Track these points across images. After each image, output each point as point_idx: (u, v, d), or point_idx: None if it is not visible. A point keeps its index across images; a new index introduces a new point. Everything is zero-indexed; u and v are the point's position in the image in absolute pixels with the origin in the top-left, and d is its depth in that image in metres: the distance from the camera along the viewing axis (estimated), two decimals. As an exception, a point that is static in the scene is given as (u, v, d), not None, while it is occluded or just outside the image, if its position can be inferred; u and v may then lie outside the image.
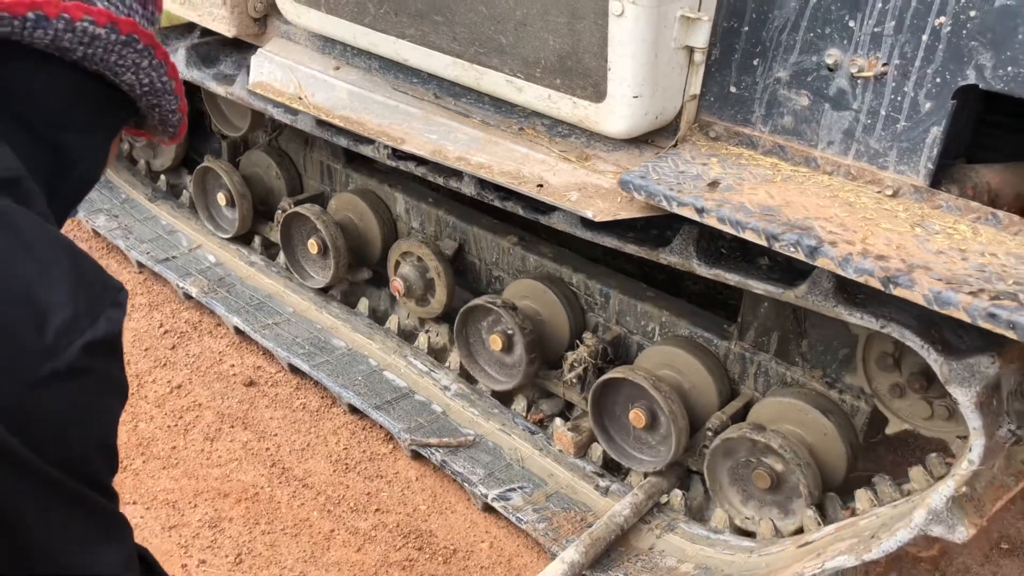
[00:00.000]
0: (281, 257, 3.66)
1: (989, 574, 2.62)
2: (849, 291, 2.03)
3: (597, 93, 2.07)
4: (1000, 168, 2.01)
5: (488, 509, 2.83)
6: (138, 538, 2.42)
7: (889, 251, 1.78)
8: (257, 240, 3.81)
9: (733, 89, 2.12)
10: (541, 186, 2.16)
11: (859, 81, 1.95)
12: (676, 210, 1.97)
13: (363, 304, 3.47)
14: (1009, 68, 1.76)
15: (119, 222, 3.97)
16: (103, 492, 1.04)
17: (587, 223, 2.24)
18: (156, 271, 3.73)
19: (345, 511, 2.82)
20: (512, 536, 2.77)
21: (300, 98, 2.57)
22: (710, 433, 2.66)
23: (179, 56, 3.12)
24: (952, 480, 1.88)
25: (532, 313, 3.03)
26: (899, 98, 1.91)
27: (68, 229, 3.97)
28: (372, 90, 2.55)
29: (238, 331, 3.48)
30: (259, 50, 2.80)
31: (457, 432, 3.00)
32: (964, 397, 1.84)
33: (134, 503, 2.76)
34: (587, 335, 2.96)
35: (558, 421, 2.97)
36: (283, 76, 2.67)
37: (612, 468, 2.90)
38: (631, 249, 2.30)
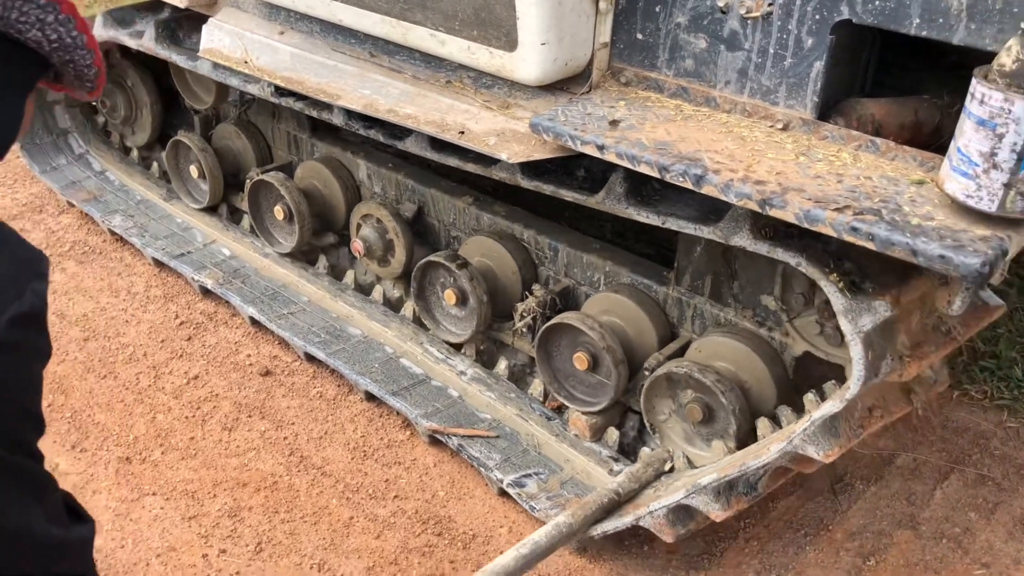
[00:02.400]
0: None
1: (1012, 551, 2.68)
2: (643, 194, 2.27)
3: (510, 42, 2.20)
4: (885, 102, 2.12)
5: (505, 494, 2.83)
6: (158, 529, 2.64)
7: (769, 177, 1.90)
8: (224, 208, 3.95)
9: (639, 36, 2.25)
10: (463, 133, 2.30)
11: (748, 21, 2.07)
12: (579, 148, 2.10)
13: (322, 261, 3.62)
14: (877, 3, 1.88)
15: (135, 221, 3.99)
16: (32, 456, 1.06)
17: (525, 170, 2.37)
18: (172, 266, 3.75)
19: (364, 498, 2.81)
20: (530, 521, 2.75)
21: (246, 62, 2.72)
22: (647, 372, 2.78)
23: (148, 32, 3.28)
24: (828, 404, 2.01)
25: (485, 269, 3.16)
26: (784, 36, 2.03)
27: (82, 229, 4.08)
28: (313, 51, 2.70)
29: (254, 321, 3.50)
30: (210, 19, 2.95)
31: (474, 417, 3.01)
32: (850, 330, 1.96)
33: (153, 494, 2.77)
34: (536, 287, 3.08)
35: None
36: (231, 43, 2.83)
37: (628, 452, 2.92)
38: (552, 191, 2.43)
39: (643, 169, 2.01)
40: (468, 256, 3.20)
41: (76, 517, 1.24)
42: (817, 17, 1.97)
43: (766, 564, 2.63)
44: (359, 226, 3.45)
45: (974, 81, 1.70)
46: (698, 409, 2.65)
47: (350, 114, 2.72)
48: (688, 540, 2.62)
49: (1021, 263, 3.73)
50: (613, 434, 2.88)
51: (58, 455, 2.88)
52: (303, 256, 3.73)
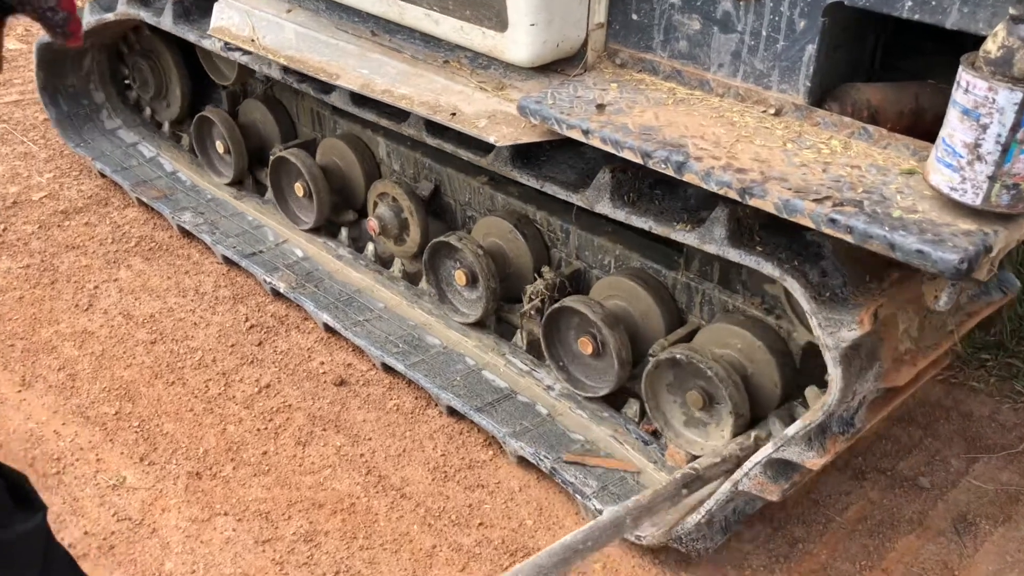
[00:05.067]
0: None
1: None
2: (529, 156, 2.31)
3: (501, 23, 2.17)
4: (883, 87, 2.03)
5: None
6: (230, 553, 2.57)
7: (752, 165, 1.85)
8: (249, 181, 3.96)
9: (635, 16, 2.19)
10: (454, 114, 2.28)
11: (741, 3, 2.00)
12: (565, 132, 2.07)
13: (343, 234, 3.63)
14: (870, -17, 1.80)
15: (205, 218, 3.86)
16: None
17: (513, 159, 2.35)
18: (243, 266, 3.59)
19: (446, 525, 2.62)
20: (628, 555, 2.53)
21: (252, 40, 2.74)
22: (652, 359, 2.74)
23: (167, 11, 3.32)
24: (809, 416, 1.96)
25: (496, 250, 3.15)
26: (776, 18, 1.96)
27: (148, 224, 3.99)
28: (318, 30, 2.70)
29: (327, 327, 3.34)
30: (223, -4, 2.98)
31: (566, 437, 2.77)
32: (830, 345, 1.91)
33: (225, 514, 2.60)
34: (545, 269, 3.06)
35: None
36: (240, 20, 2.84)
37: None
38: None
39: (626, 155, 1.97)
40: (481, 236, 3.19)
41: (25, 505, 1.19)
42: (809, -1, 1.90)
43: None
44: (375, 204, 3.46)
45: (960, 69, 1.62)
46: (699, 396, 2.61)
47: (354, 96, 2.72)
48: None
49: None
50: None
51: (126, 467, 2.74)
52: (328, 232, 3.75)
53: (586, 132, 2.02)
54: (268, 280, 3.52)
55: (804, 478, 2.25)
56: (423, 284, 3.39)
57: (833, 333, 1.86)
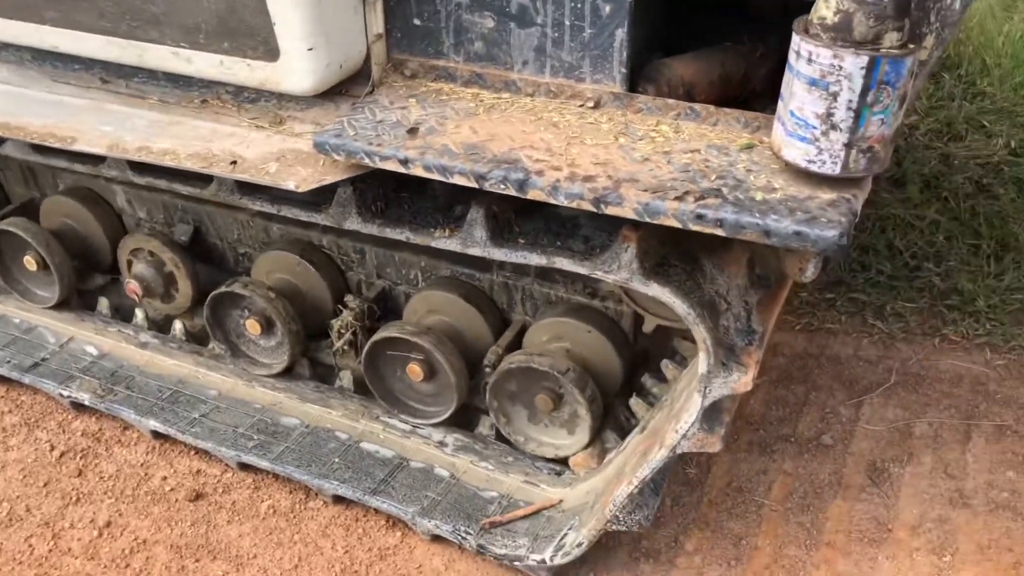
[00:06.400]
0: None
1: None
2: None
3: (270, 51, 1.87)
4: (690, 59, 1.97)
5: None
6: None
7: (596, 169, 1.72)
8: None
9: (417, 21, 1.98)
10: (235, 163, 1.96)
11: (538, -7, 1.85)
12: (380, 165, 1.83)
13: (103, 304, 3.15)
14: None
15: None
16: None
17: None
18: (26, 382, 2.97)
19: None
20: None
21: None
22: (488, 369, 2.60)
23: None
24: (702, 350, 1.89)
25: (287, 287, 2.84)
26: (579, 5, 1.83)
27: None
28: (28, 86, 2.24)
29: (156, 434, 2.84)
30: None
31: (477, 497, 2.50)
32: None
33: None
34: (348, 297, 2.81)
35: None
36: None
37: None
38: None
39: (458, 180, 1.77)
40: (265, 275, 2.87)
41: None
42: (612, -20, 1.78)
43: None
44: (130, 263, 3.02)
45: (796, 38, 1.56)
46: (548, 399, 2.51)
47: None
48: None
49: (957, 195, 3.80)
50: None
51: None
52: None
53: (405, 162, 1.80)
54: (65, 393, 2.91)
55: (735, 406, 2.06)
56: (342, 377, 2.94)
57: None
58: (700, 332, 1.84)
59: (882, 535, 2.52)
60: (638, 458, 2.17)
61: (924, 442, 2.82)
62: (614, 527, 2.18)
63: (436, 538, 2.48)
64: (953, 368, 3.09)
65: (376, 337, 2.61)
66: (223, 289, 2.76)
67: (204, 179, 2.18)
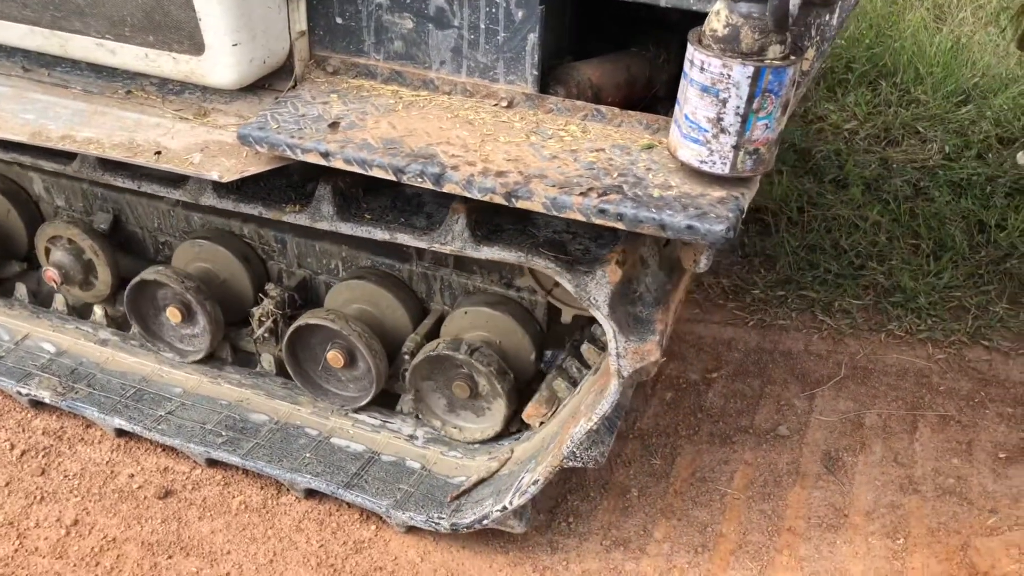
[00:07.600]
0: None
1: (1005, 489, 2.76)
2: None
3: (195, 45, 1.94)
4: (598, 63, 2.10)
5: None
6: None
7: (508, 165, 1.83)
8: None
9: (339, 20, 2.06)
10: (159, 153, 2.02)
11: (455, -2, 1.95)
12: (302, 157, 1.91)
13: (21, 290, 3.13)
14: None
15: None
16: None
17: (223, 186, 2.14)
18: None
19: None
20: None
21: None
22: (407, 356, 2.69)
23: None
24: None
25: (208, 276, 2.88)
26: (494, 10, 1.94)
27: None
28: (-53, 74, 2.25)
29: (121, 432, 2.82)
30: None
31: (450, 487, 2.55)
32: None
33: None
34: (270, 286, 2.86)
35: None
36: None
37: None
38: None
39: (376, 173, 1.86)
40: (185, 264, 2.90)
41: None
42: (524, -12, 1.89)
43: (809, 573, 2.52)
44: (48, 251, 3.02)
45: (691, 48, 1.70)
46: (464, 385, 2.61)
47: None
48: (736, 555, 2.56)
49: (897, 197, 3.97)
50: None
51: None
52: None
53: (326, 155, 1.88)
54: (24, 391, 2.88)
55: (650, 371, 2.10)
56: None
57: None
58: (547, 262, 1.98)
59: (839, 520, 2.66)
60: (594, 395, 2.23)
61: (874, 432, 2.98)
62: (570, 463, 2.23)
63: (411, 529, 2.53)
64: (898, 362, 3.26)
65: (296, 324, 2.68)
66: (142, 277, 2.79)
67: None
